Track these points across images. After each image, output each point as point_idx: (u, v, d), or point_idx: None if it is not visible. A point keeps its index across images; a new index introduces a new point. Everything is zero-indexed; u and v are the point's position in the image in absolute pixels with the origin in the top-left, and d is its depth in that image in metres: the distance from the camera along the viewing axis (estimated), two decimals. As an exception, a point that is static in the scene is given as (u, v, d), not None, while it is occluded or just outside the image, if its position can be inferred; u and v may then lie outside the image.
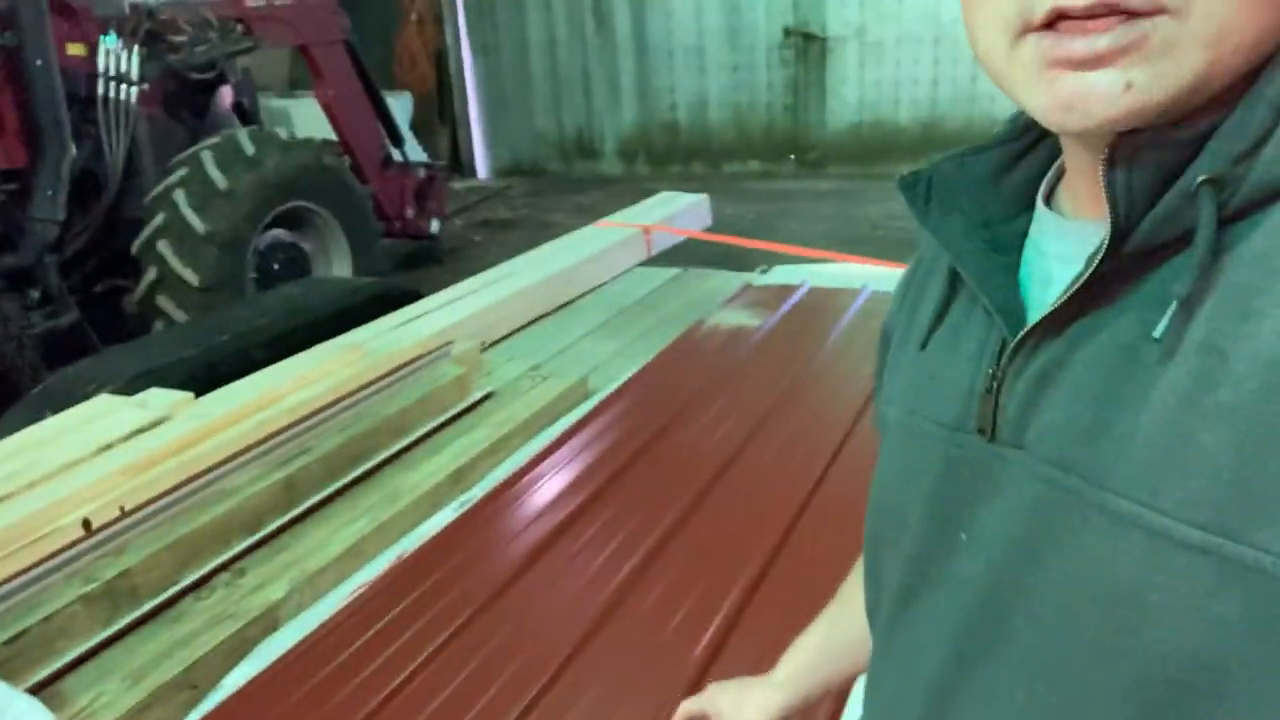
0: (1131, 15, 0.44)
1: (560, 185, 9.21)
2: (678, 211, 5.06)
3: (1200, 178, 0.46)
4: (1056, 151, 0.60)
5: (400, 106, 7.15)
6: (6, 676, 1.65)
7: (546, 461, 2.38)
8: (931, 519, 0.60)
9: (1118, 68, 0.45)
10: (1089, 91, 0.46)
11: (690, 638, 1.65)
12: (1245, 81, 0.47)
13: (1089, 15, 0.45)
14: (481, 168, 10.17)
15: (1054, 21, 0.46)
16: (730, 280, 3.99)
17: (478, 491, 2.33)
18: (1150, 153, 0.48)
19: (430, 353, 3.00)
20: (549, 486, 2.25)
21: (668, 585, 1.81)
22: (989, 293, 0.58)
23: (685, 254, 4.82)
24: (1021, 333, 0.55)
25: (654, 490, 2.18)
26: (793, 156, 8.66)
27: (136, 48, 4.73)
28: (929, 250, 0.70)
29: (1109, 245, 0.49)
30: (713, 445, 2.36)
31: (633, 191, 6.31)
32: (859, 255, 4.40)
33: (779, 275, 3.90)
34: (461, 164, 9.96)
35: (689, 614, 1.72)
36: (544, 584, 1.87)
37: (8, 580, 1.86)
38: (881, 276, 3.67)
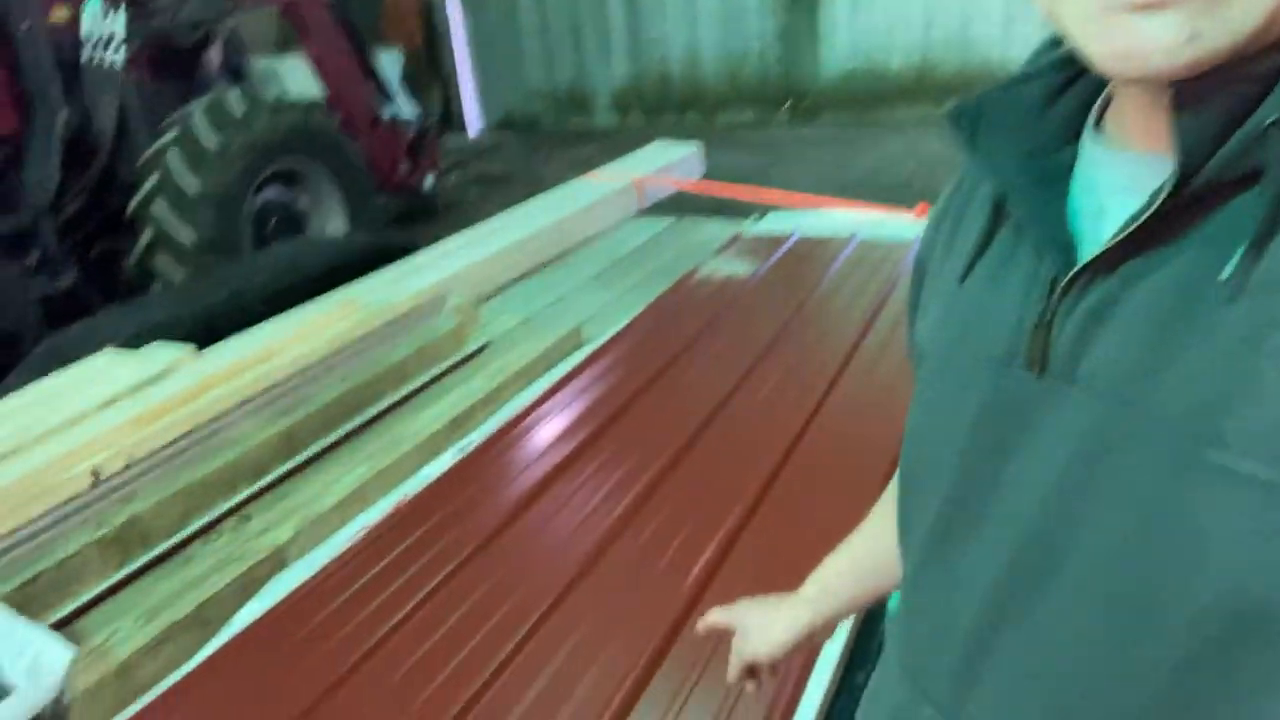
0: None
1: (554, 139, 9.18)
2: (670, 162, 5.07)
3: (1270, 119, 0.45)
4: (1104, 81, 0.58)
5: (390, 61, 7.09)
6: (26, 616, 1.72)
7: (542, 408, 2.44)
8: (975, 453, 0.59)
9: (1180, 14, 0.44)
10: (1148, 40, 0.45)
11: (683, 569, 1.72)
12: None
13: None
14: (474, 123, 10.12)
15: None
16: (723, 230, 4.02)
17: (476, 438, 2.39)
18: (1218, 94, 0.46)
19: (425, 305, 3.04)
20: (544, 432, 2.31)
21: (660, 522, 1.88)
22: (1040, 225, 0.57)
23: (680, 203, 4.84)
24: (1075, 268, 0.54)
25: (646, 434, 2.24)
26: (786, 105, 8.62)
27: (120, 11, 4.71)
28: (968, 179, 0.68)
29: (1176, 182, 0.48)
30: (703, 391, 2.42)
31: (628, 144, 6.29)
32: (852, 201, 4.42)
33: (770, 224, 3.93)
34: (453, 119, 9.92)
35: (681, 546, 1.78)
36: (541, 523, 1.93)
37: (21, 528, 1.93)
38: (871, 223, 3.71)
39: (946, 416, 0.62)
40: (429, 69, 9.73)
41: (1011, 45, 7.71)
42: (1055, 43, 0.61)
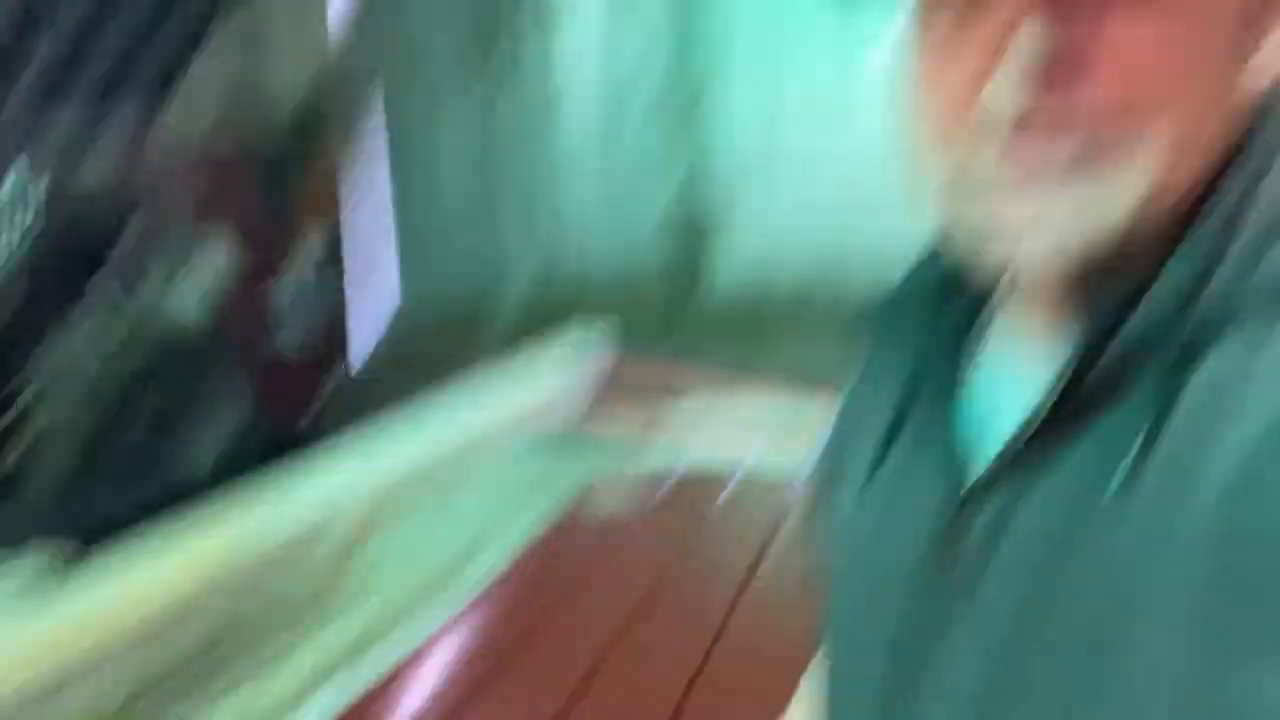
0: (1085, 135, 0.46)
1: (442, 362, 9.06)
2: (564, 381, 5.08)
3: (1148, 322, 0.47)
4: (989, 294, 0.59)
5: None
6: None
7: (416, 657, 2.33)
8: (893, 667, 0.57)
9: (1067, 193, 0.46)
10: (1038, 212, 0.47)
11: None
12: (1180, 220, 0.48)
13: (1046, 126, 0.46)
14: (393, 299, 9.96)
15: (1007, 133, 0.47)
16: (608, 459, 4.01)
17: (346, 691, 2.26)
18: (1106, 289, 0.48)
19: (296, 540, 2.93)
20: (420, 686, 2.21)
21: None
22: (938, 435, 0.57)
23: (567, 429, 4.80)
24: (973, 480, 0.53)
25: (530, 687, 2.16)
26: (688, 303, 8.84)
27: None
28: (868, 382, 0.67)
29: (1069, 380, 0.48)
30: (591, 635, 2.35)
31: (549, 332, 6.29)
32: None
33: (655, 457, 3.94)
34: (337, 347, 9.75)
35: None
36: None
37: None
38: (756, 456, 3.75)
39: (864, 627, 0.60)
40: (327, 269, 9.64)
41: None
42: (935, 256, 0.62)
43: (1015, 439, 0.50)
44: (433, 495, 3.82)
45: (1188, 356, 0.45)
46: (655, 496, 3.41)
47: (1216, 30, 0.46)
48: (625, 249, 8.87)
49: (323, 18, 7.70)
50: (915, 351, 0.60)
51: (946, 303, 0.61)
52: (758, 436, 4.10)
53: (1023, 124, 0.46)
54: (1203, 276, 0.46)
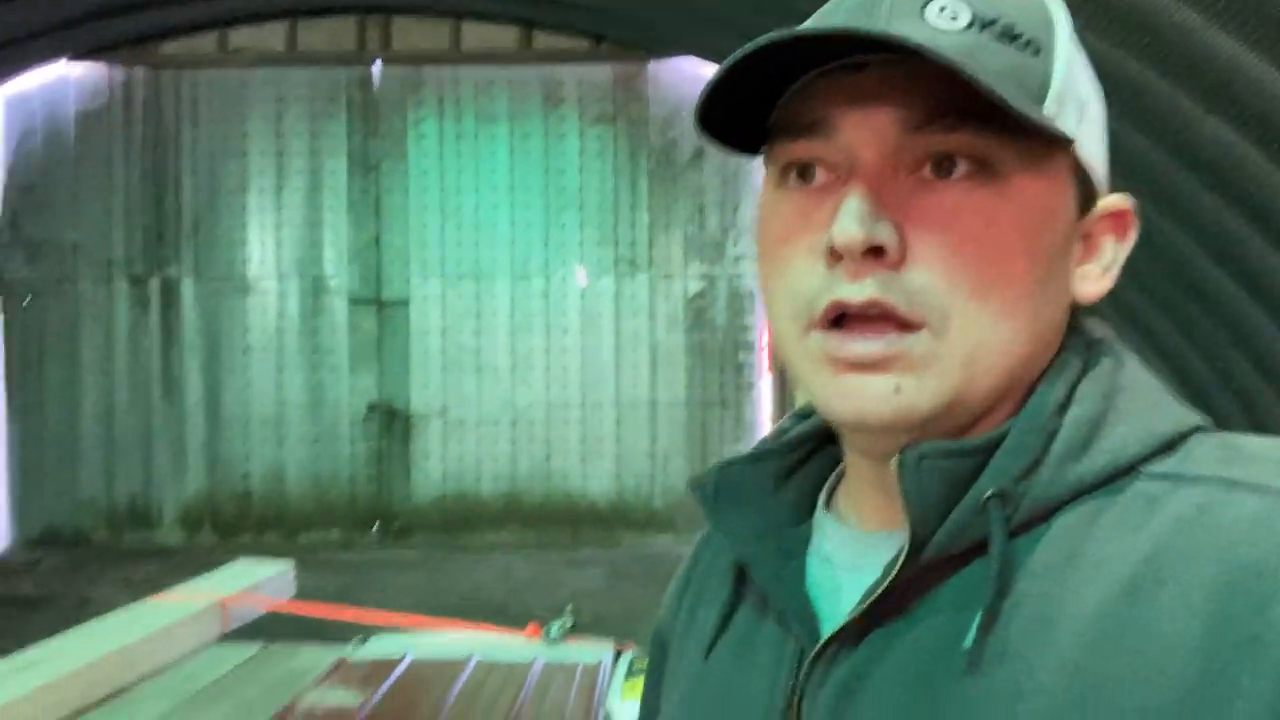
0: (900, 326, 0.51)
1: (106, 557, 8.13)
2: (257, 581, 4.67)
3: (988, 492, 0.50)
4: (833, 461, 0.63)
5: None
6: None
7: None
8: None
9: (888, 374, 0.51)
10: (863, 390, 0.51)
11: None
12: (1013, 397, 0.53)
13: (864, 314, 0.51)
14: (2, 537, 8.72)
15: (836, 320, 0.52)
16: (322, 656, 3.68)
17: None
18: (937, 465, 0.51)
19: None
20: None
21: None
22: (784, 598, 0.57)
23: (266, 629, 4.39)
24: (821, 642, 0.54)
25: None
26: (375, 526, 8.53)
27: None
28: (706, 553, 0.69)
29: (907, 554, 0.51)
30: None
31: (195, 564, 5.74)
32: (465, 622, 4.31)
33: (377, 647, 3.68)
34: (-21, 535, 8.48)
35: None
36: None
37: None
38: (486, 645, 3.61)
39: None
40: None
41: (588, 480, 8.48)
42: (786, 427, 0.65)
43: (866, 597, 0.52)
44: (103, 704, 3.25)
45: (1027, 527, 0.51)
46: (383, 686, 3.12)
47: (1036, 248, 0.52)
48: (325, 441, 8.61)
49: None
50: (762, 511, 0.62)
51: (795, 470, 0.64)
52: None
53: (838, 321, 0.52)
54: (1031, 466, 0.51)
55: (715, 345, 8.59)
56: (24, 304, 8.68)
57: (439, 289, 8.60)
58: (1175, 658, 0.45)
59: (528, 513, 8.35)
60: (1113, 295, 0.58)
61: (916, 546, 0.51)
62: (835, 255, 0.51)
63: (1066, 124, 0.52)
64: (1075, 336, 0.56)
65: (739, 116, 0.57)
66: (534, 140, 8.62)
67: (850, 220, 0.49)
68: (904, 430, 0.52)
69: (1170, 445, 0.51)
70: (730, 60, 0.52)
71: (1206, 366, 4.36)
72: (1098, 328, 0.57)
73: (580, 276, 8.61)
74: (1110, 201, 0.57)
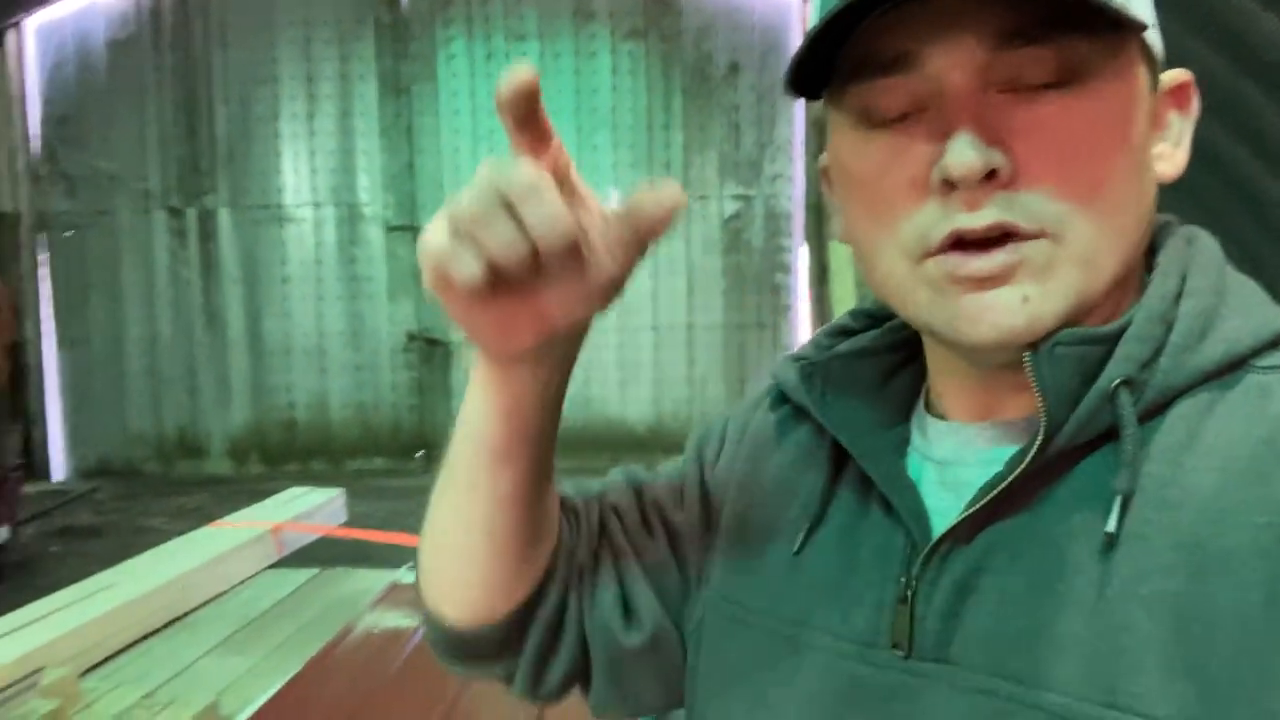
0: (1018, 237, 0.51)
1: (158, 487, 8.33)
2: (309, 509, 4.76)
3: (1117, 380, 0.51)
4: (925, 368, 0.63)
5: (-38, 399, 6.21)
6: None
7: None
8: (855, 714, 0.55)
9: (1013, 284, 0.51)
10: (993, 305, 0.51)
11: None
12: (1124, 285, 0.54)
13: (984, 238, 0.51)
14: (60, 469, 8.96)
15: (951, 246, 0.52)
16: (375, 579, 3.75)
17: None
18: (1071, 352, 0.51)
19: (12, 684, 2.43)
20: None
21: None
22: (898, 494, 0.57)
23: (319, 555, 4.48)
24: (936, 537, 0.54)
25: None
26: (420, 453, 8.63)
27: None
28: (782, 426, 0.68)
29: (1040, 445, 0.51)
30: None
31: (245, 492, 5.85)
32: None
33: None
34: (35, 465, 8.71)
35: None
36: None
37: None
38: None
39: (782, 707, 0.58)
40: (10, 409, 8.62)
41: (626, 405, 8.50)
42: (851, 325, 0.66)
43: (987, 491, 0.52)
44: (169, 627, 3.36)
45: (1149, 415, 0.51)
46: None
47: (1128, 140, 0.53)
48: (367, 370, 8.70)
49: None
50: (869, 408, 0.62)
51: (895, 372, 0.65)
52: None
53: (957, 243, 0.51)
54: (1154, 355, 0.52)
55: (752, 267, 8.49)
56: (66, 237, 8.76)
57: (474, 214, 8.54)
58: None
59: (567, 438, 8.00)
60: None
61: (1048, 435, 0.51)
62: (949, 186, 0.51)
63: (1139, 10, 0.52)
64: (1170, 228, 0.58)
65: (807, 63, 0.54)
66: (565, 59, 8.44)
67: (965, 149, 0.49)
68: (1031, 341, 0.52)
69: (1279, 341, 0.53)
70: (831, 8, 0.50)
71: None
72: (1186, 227, 0.59)
73: (613, 199, 8.50)
74: (1171, 76, 0.58)
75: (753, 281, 8.49)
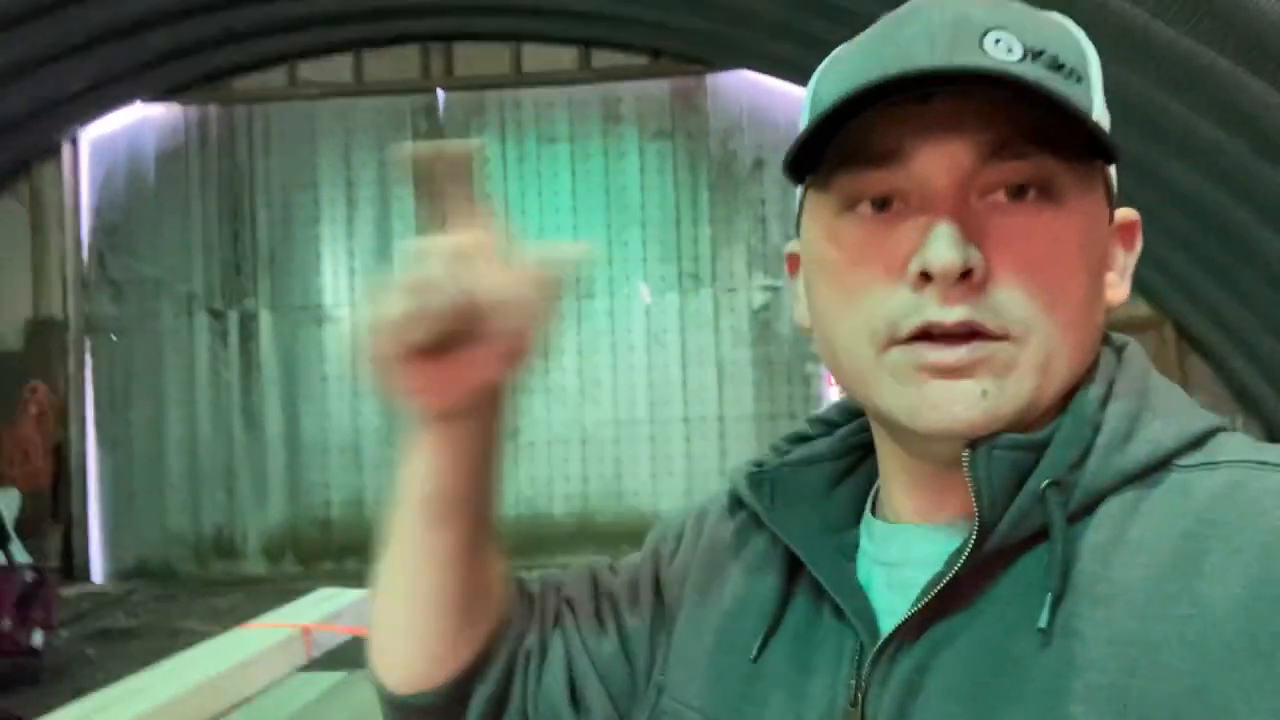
0: (984, 336, 0.54)
1: (194, 587, 8.35)
2: (340, 609, 4.73)
3: (1045, 481, 0.53)
4: (875, 473, 0.65)
5: (4, 504, 6.34)
6: None
7: None
8: None
9: (974, 379, 0.54)
10: (954, 396, 0.54)
11: None
12: (1061, 400, 0.57)
13: (952, 333, 0.54)
14: (99, 571, 9.01)
15: (918, 337, 0.54)
16: (404, 681, 3.70)
17: None
18: (1007, 456, 0.54)
19: (38, 795, 2.41)
20: None
21: None
22: (846, 598, 0.59)
23: (352, 654, 4.44)
24: (883, 638, 0.56)
25: None
26: (453, 550, 8.60)
27: None
28: (739, 536, 0.70)
29: (973, 545, 0.54)
30: None
31: (280, 592, 5.85)
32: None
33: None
34: (74, 567, 8.78)
35: None
36: None
37: None
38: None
39: None
40: (53, 512, 8.75)
41: (659, 498, 8.45)
42: (809, 432, 0.69)
43: (928, 590, 0.55)
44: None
45: (1077, 515, 0.54)
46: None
47: (1090, 261, 0.56)
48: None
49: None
50: (818, 513, 0.64)
51: (843, 478, 0.67)
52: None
53: (926, 335, 0.54)
54: (1081, 457, 0.54)
55: (782, 358, 8.50)
56: (111, 341, 8.99)
57: (506, 311, 8.66)
58: (1220, 618, 0.47)
59: (600, 532, 8.32)
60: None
61: (983, 534, 0.53)
62: (925, 278, 0.53)
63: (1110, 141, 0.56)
64: (1103, 340, 0.60)
65: (798, 147, 0.58)
66: (594, 159, 8.66)
67: (945, 246, 0.52)
68: (985, 434, 0.54)
69: (1199, 442, 0.55)
70: (831, 104, 0.54)
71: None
72: (1118, 336, 0.62)
73: (644, 293, 8.61)
74: (1121, 214, 0.61)
75: (782, 371, 8.50)
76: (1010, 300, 0.53)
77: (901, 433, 0.58)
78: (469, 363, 0.58)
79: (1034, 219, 0.54)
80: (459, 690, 0.70)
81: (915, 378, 0.54)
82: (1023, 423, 0.55)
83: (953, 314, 0.53)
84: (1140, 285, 6.73)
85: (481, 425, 0.64)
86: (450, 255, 0.56)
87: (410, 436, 0.65)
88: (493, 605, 0.70)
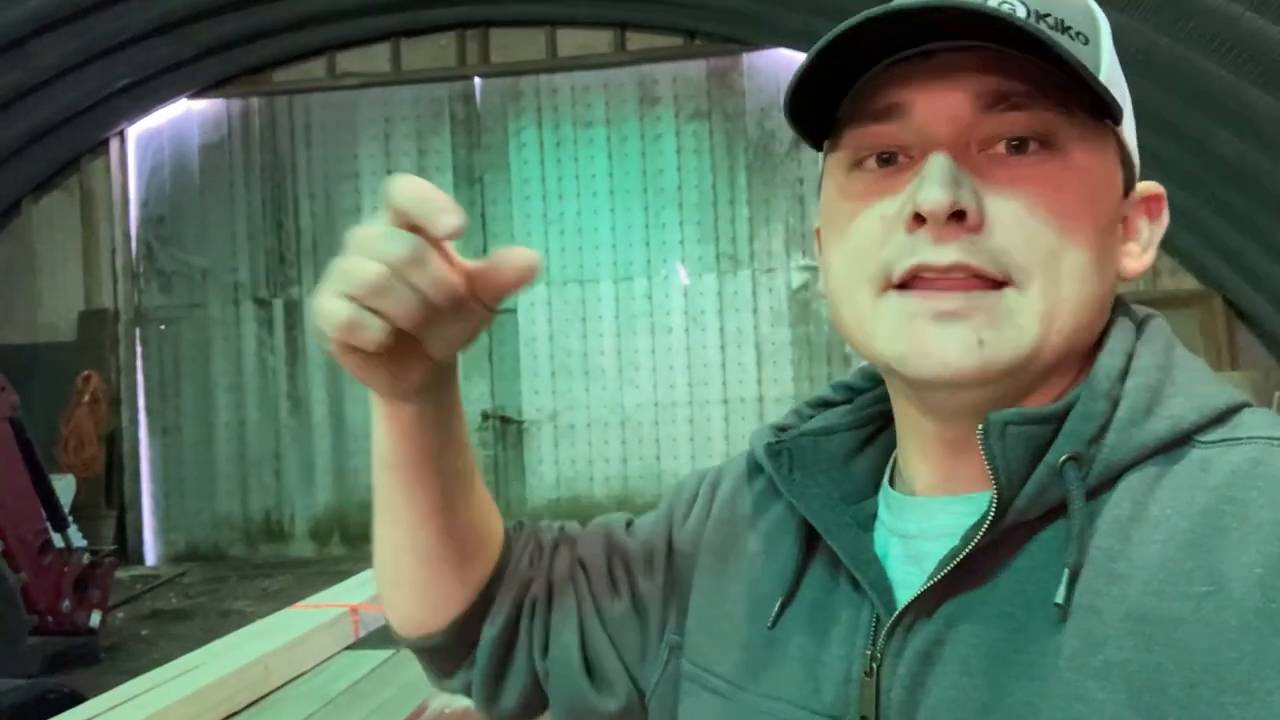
0: (982, 284, 0.53)
1: (243, 570, 8.53)
2: (386, 590, 4.83)
3: (1064, 455, 0.52)
4: (893, 443, 0.65)
5: (62, 489, 6.51)
6: None
7: None
8: None
9: (970, 325, 0.53)
10: (947, 341, 0.53)
11: None
12: (1072, 364, 0.56)
13: (946, 275, 0.53)
14: (152, 554, 9.25)
15: (913, 281, 0.54)
16: (449, 659, 3.77)
17: None
18: (1021, 431, 0.53)
19: (99, 766, 2.50)
20: None
21: None
22: (862, 569, 0.58)
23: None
24: (899, 609, 0.55)
25: None
26: (496, 532, 8.69)
27: None
28: (760, 501, 0.70)
29: (991, 519, 0.53)
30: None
31: (327, 574, 5.97)
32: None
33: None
34: (128, 550, 9.01)
35: None
36: None
37: None
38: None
39: None
40: (106, 498, 8.98)
41: (700, 477, 8.44)
42: (832, 397, 0.69)
43: (945, 563, 0.54)
44: (251, 708, 3.42)
45: (1096, 490, 0.53)
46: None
47: (1096, 218, 0.55)
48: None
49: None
50: (834, 484, 0.64)
51: (860, 449, 0.67)
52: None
53: (919, 278, 0.54)
54: (1100, 431, 0.53)
55: (820, 338, 8.45)
56: (161, 330, 9.19)
57: (545, 295, 8.71)
58: (1238, 595, 0.47)
59: (640, 512, 8.35)
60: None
61: (1000, 509, 0.52)
62: (918, 220, 0.53)
63: (1118, 104, 0.55)
64: (1122, 311, 0.60)
65: (814, 110, 0.59)
66: (631, 142, 8.65)
67: (935, 185, 0.52)
68: (982, 385, 0.54)
69: (1221, 418, 0.54)
70: (822, 41, 0.54)
71: None
72: (1140, 309, 0.61)
73: (682, 275, 8.60)
74: (1145, 186, 0.61)
75: (821, 351, 8.46)
76: (1009, 244, 0.53)
77: (901, 383, 0.58)
78: (414, 352, 0.59)
79: (1035, 169, 0.54)
80: (463, 631, 0.73)
81: (908, 324, 0.54)
82: (1024, 376, 0.54)
83: (946, 254, 0.53)
84: (1189, 259, 6.61)
85: (434, 397, 0.67)
86: (399, 259, 0.53)
87: (375, 408, 0.68)
88: (483, 552, 0.73)
